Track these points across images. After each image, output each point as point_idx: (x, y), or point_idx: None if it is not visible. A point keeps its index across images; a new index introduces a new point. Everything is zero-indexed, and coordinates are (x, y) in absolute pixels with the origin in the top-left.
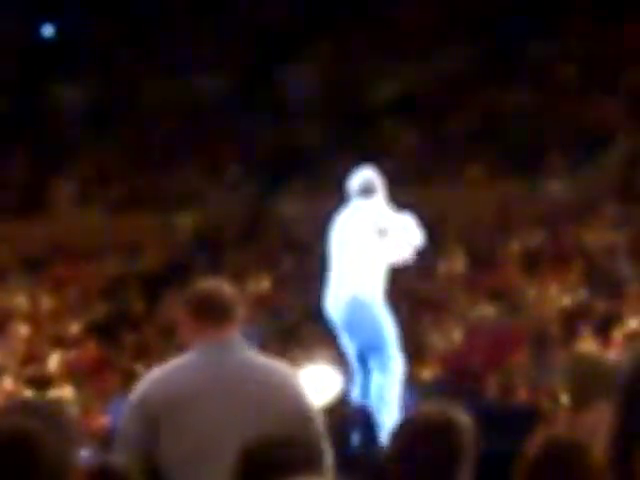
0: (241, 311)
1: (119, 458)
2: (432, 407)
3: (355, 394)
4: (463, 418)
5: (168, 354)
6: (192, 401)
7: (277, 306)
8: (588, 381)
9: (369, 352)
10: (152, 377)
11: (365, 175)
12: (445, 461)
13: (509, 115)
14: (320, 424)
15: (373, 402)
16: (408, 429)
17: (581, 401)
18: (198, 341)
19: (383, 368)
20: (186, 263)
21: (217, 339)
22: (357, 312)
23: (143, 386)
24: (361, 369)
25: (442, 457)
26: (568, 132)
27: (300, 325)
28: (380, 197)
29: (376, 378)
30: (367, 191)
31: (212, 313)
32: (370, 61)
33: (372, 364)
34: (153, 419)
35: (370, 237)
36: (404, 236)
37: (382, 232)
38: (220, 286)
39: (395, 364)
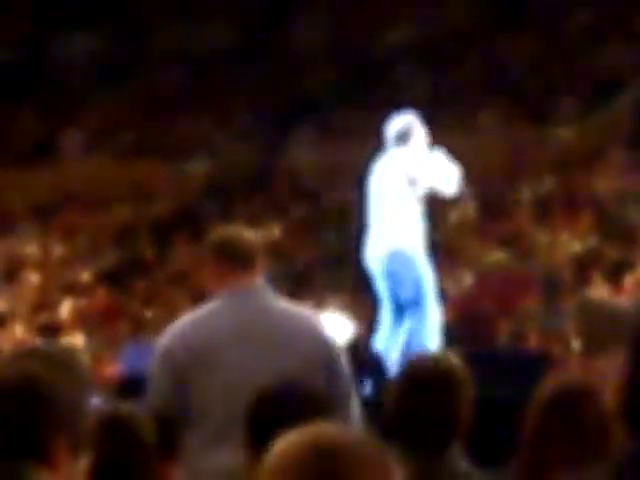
0: (263, 258)
1: (130, 406)
2: (428, 356)
3: (380, 342)
4: (458, 366)
5: (178, 301)
6: (220, 349)
7: (287, 254)
8: (600, 326)
9: (407, 303)
10: (179, 326)
11: (401, 121)
12: (441, 410)
13: (521, 63)
14: (347, 370)
15: (400, 349)
16: (404, 380)
17: (593, 346)
18: (222, 288)
19: (420, 318)
20: (197, 211)
21: (242, 286)
22: (396, 263)
23: (169, 336)
24: (396, 319)
25: (437, 403)
26: (579, 79)
27: (311, 272)
28: (417, 143)
29: (410, 326)
30: (403, 137)
31: (236, 260)
32: (383, 9)
33: (408, 315)
34: (181, 369)
35: (404, 187)
36: (437, 180)
37: (412, 181)
38: (242, 232)
39: (432, 315)
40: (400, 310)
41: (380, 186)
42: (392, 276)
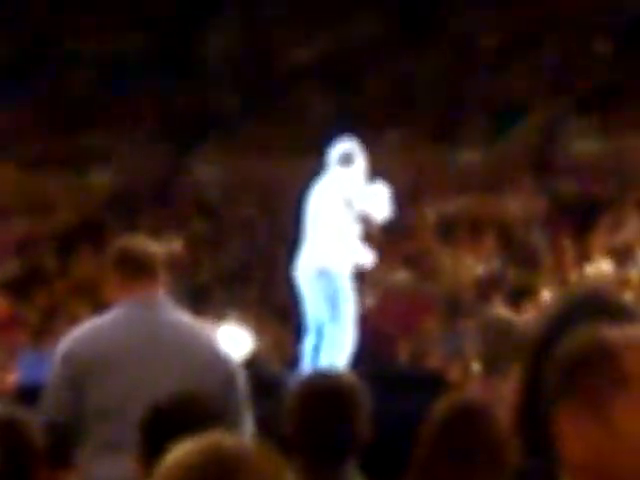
0: (165, 270)
1: (20, 411)
2: (324, 372)
3: (305, 360)
4: (355, 383)
5: (80, 312)
6: (118, 358)
7: (189, 268)
8: (499, 345)
9: (326, 322)
10: (78, 333)
11: (345, 145)
12: (337, 424)
13: (427, 83)
14: (243, 385)
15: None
16: (300, 395)
17: (491, 366)
18: (123, 299)
19: (334, 338)
20: (100, 222)
21: (143, 297)
22: (322, 283)
23: (69, 342)
24: (316, 336)
25: (334, 420)
26: (485, 102)
27: (212, 287)
28: (358, 167)
29: (324, 344)
30: (346, 160)
31: (138, 271)
32: (287, 26)
33: (324, 333)
34: (78, 375)
35: (340, 209)
36: (372, 206)
37: (348, 204)
38: (145, 244)
39: (347, 336)
40: (320, 327)
41: (317, 205)
42: (316, 293)
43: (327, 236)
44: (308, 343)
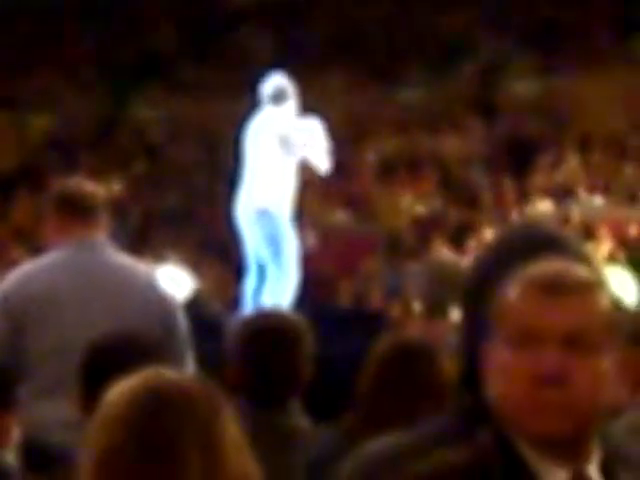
0: (104, 212)
1: None
2: (268, 310)
3: (248, 300)
4: (298, 322)
5: (19, 256)
6: (57, 299)
7: (128, 209)
8: (442, 288)
9: (267, 261)
10: (17, 274)
11: (276, 81)
12: (278, 363)
13: (367, 22)
14: (183, 325)
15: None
16: (241, 334)
17: (434, 308)
18: (63, 241)
19: (276, 278)
20: (40, 164)
21: (82, 239)
22: (262, 222)
23: (8, 283)
24: (258, 277)
25: (275, 359)
26: (425, 40)
27: (151, 228)
28: (291, 104)
29: (266, 284)
30: (278, 98)
31: (76, 212)
32: None
33: (266, 273)
34: (17, 316)
35: (276, 147)
36: (309, 143)
37: (283, 142)
38: (83, 185)
39: (289, 276)
40: (261, 268)
41: (253, 144)
42: (256, 234)
43: (265, 176)
44: (249, 284)
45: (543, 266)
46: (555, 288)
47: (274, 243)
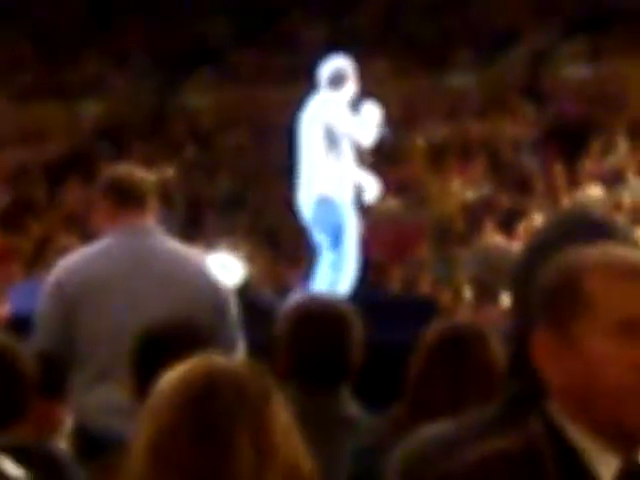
0: (155, 198)
1: (14, 341)
2: (317, 296)
3: (320, 286)
4: (348, 308)
5: (70, 242)
6: (108, 286)
7: (181, 195)
8: (492, 273)
9: (326, 249)
10: (68, 262)
11: (336, 64)
12: (329, 349)
13: (419, 8)
14: (234, 312)
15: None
16: (292, 319)
17: (484, 293)
18: (113, 227)
19: (336, 265)
20: (90, 152)
21: (132, 225)
22: (322, 210)
23: (59, 271)
24: (325, 262)
25: (327, 344)
26: (475, 27)
27: (203, 214)
28: (350, 88)
29: (326, 272)
30: (335, 81)
31: (127, 199)
32: None
33: (327, 260)
34: (70, 302)
35: (329, 134)
36: (358, 130)
37: (328, 131)
38: (134, 172)
39: (349, 264)
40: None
41: (308, 131)
42: (316, 220)
43: (323, 163)
44: (316, 270)
45: (610, 252)
46: None
47: (335, 231)
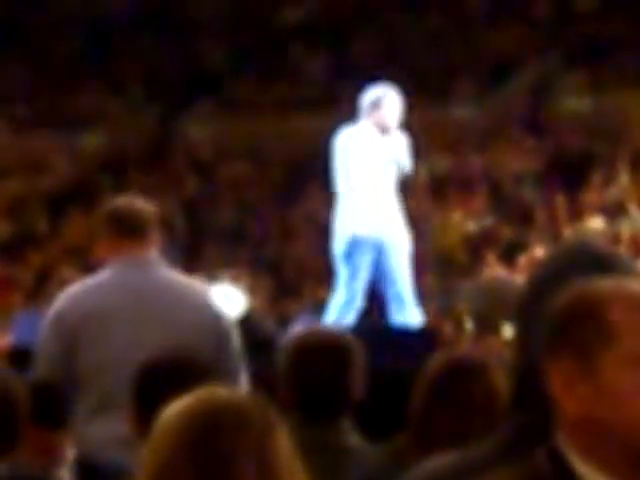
0: (156, 229)
1: (9, 371)
2: (320, 327)
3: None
4: (350, 338)
5: (72, 273)
6: (110, 317)
7: (182, 227)
8: (494, 304)
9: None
10: (70, 293)
11: (374, 91)
12: (331, 380)
13: (416, 40)
14: (236, 343)
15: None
16: (294, 351)
17: (486, 325)
18: (115, 258)
19: (343, 301)
20: (91, 183)
21: (134, 256)
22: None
23: (61, 302)
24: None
25: (330, 374)
26: (476, 58)
27: (204, 245)
28: (386, 116)
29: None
30: (373, 108)
31: (128, 229)
32: None
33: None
34: (70, 335)
35: (384, 169)
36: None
37: (396, 164)
38: (135, 203)
39: (354, 304)
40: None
41: (343, 160)
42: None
43: (379, 194)
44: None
45: (626, 284)
46: None
47: (352, 265)
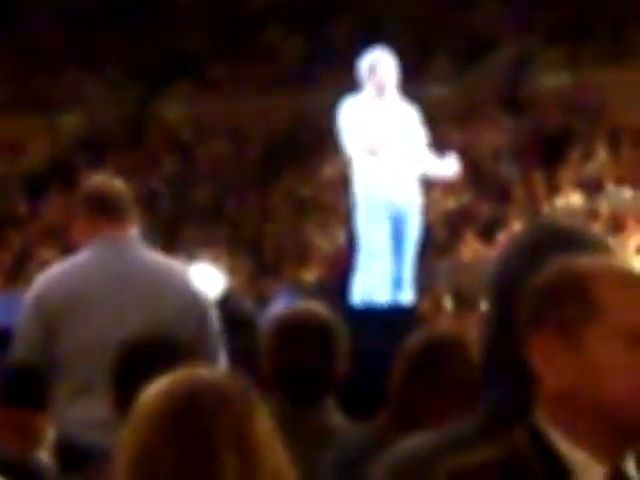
0: (134, 209)
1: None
2: (300, 307)
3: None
4: (331, 318)
5: (51, 254)
6: (90, 298)
7: (160, 206)
8: (473, 283)
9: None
10: (49, 275)
11: (368, 56)
12: (313, 359)
13: (395, 19)
14: (216, 323)
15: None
16: (278, 328)
17: (465, 303)
18: (93, 239)
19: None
20: (70, 164)
21: (112, 237)
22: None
23: (40, 284)
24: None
25: (311, 356)
26: (453, 36)
27: (183, 225)
28: (380, 81)
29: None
30: (373, 72)
31: (106, 210)
32: None
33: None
34: (50, 317)
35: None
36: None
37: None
38: (113, 183)
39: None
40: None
41: (350, 129)
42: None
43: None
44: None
45: (608, 261)
46: None
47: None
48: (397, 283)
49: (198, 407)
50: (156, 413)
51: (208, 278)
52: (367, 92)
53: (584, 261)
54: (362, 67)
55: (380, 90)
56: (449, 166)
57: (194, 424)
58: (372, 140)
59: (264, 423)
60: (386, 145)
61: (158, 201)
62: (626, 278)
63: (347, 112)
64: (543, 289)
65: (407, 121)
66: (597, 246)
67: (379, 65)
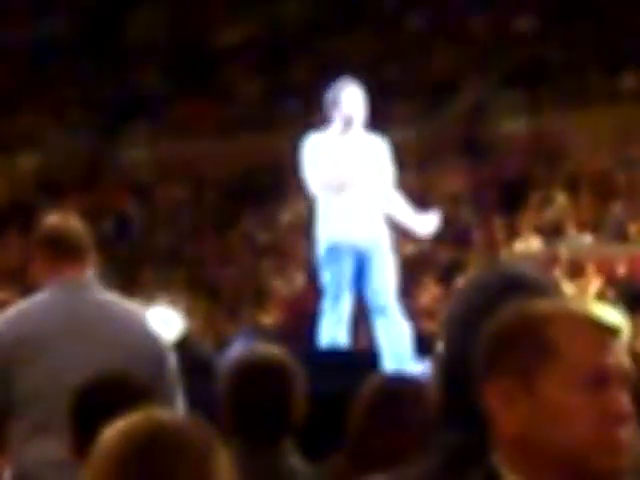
0: (92, 250)
1: None
2: (259, 349)
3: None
4: (290, 361)
5: (10, 296)
6: (46, 339)
7: (119, 249)
8: (433, 329)
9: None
10: (4, 316)
11: (334, 88)
12: (271, 403)
13: (352, 63)
14: (173, 366)
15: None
16: (237, 371)
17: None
18: (51, 280)
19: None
20: (28, 205)
21: (70, 277)
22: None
23: None
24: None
25: (270, 398)
26: (413, 81)
27: (141, 267)
28: (345, 112)
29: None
30: (336, 104)
31: (64, 250)
32: (214, 7)
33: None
34: (5, 357)
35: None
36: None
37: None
38: (71, 223)
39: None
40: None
41: (313, 165)
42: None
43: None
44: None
45: (563, 304)
46: (608, 328)
47: (333, 274)
48: (384, 318)
49: (158, 449)
50: (115, 454)
51: (166, 321)
52: (333, 127)
53: (539, 305)
54: (327, 98)
55: (347, 122)
56: (428, 223)
57: (154, 466)
58: (336, 176)
59: (224, 465)
60: (351, 181)
61: (116, 243)
62: (582, 321)
63: (310, 148)
64: (498, 334)
65: (375, 156)
66: (550, 291)
67: (345, 95)
